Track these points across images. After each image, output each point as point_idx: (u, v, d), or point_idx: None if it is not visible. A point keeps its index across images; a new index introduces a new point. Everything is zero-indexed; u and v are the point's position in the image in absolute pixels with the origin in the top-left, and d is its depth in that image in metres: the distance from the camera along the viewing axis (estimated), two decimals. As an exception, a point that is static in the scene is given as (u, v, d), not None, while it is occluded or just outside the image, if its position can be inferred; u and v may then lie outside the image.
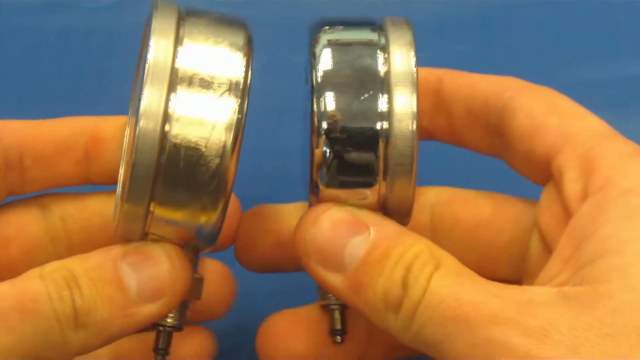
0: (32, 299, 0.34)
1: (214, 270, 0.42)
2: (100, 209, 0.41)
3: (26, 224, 0.41)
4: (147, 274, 0.36)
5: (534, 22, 0.54)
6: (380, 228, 0.36)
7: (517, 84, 0.40)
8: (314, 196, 0.37)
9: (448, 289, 0.34)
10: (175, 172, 0.34)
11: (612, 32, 0.54)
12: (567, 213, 0.36)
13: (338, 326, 0.40)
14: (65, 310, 0.34)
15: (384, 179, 0.36)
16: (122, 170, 0.40)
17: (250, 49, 0.35)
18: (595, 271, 0.33)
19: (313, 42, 0.37)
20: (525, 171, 0.40)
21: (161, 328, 0.38)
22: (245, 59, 0.35)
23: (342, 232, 0.36)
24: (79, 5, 0.54)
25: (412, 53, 0.36)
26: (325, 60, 0.36)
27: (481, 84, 0.41)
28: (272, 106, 0.51)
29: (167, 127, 0.34)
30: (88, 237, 0.42)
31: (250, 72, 0.35)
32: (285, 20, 0.54)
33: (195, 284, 0.38)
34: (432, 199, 0.43)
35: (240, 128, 0.34)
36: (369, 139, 0.35)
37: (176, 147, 0.34)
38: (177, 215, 0.35)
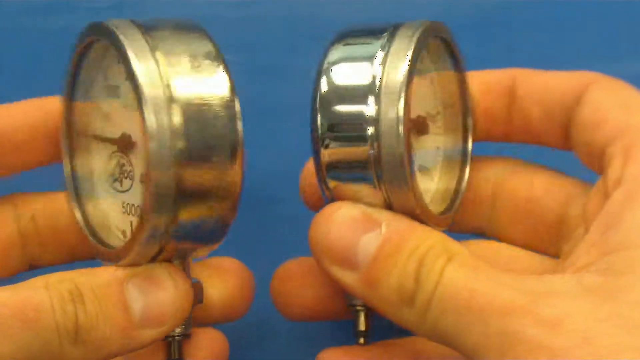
0: (35, 308, 0.34)
1: (233, 269, 0.41)
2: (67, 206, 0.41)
3: (1, 226, 0.41)
4: (153, 299, 0.36)
5: (534, 22, 0.54)
6: (392, 223, 0.36)
7: (590, 77, 0.40)
8: (324, 195, 0.38)
9: (461, 280, 0.34)
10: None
11: (612, 32, 0.54)
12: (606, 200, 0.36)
13: (362, 327, 0.40)
14: (67, 325, 0.34)
15: (380, 179, 0.37)
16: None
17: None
18: (619, 262, 0.33)
19: (323, 57, 0.39)
20: (588, 162, 0.40)
21: (170, 339, 0.38)
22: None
23: (353, 229, 0.36)
24: (79, 5, 0.54)
25: (408, 58, 0.37)
26: (330, 74, 0.38)
27: (555, 81, 0.41)
28: (271, 107, 0.51)
29: (179, 144, 0.34)
30: (56, 234, 0.42)
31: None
32: (285, 20, 0.54)
33: (195, 289, 0.38)
34: (496, 169, 0.43)
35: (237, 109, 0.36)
36: (362, 141, 0.37)
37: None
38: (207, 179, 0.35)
